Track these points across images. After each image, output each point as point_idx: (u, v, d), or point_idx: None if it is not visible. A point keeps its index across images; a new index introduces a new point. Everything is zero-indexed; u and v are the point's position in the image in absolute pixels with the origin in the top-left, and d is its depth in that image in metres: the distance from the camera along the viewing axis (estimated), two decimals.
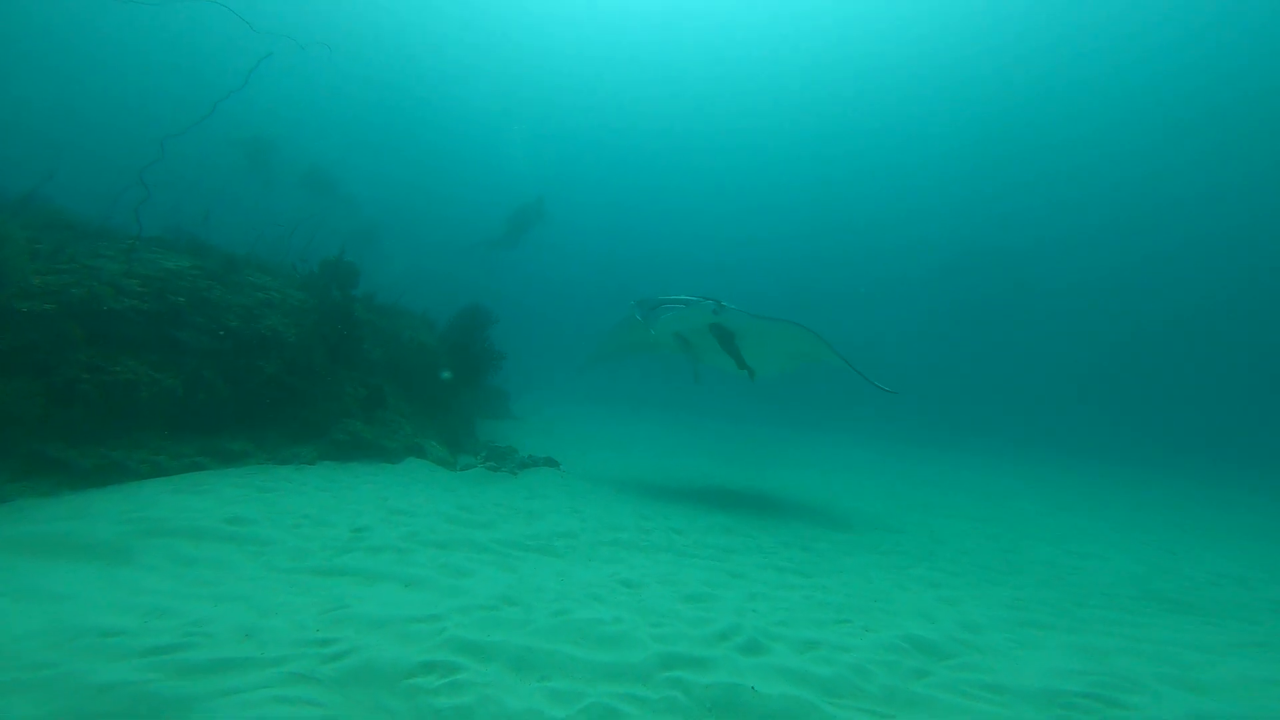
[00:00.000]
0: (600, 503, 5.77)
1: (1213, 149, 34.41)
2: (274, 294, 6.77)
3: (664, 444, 12.17)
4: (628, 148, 48.47)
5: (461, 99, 43.14)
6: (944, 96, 37.45)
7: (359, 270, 7.62)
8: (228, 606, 2.63)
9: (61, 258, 5.11)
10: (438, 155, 47.31)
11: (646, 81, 42.45)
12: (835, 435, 17.52)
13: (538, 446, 9.19)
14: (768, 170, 46.75)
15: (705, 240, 52.05)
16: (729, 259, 51.65)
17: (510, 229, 18.19)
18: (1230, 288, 40.67)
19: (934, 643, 2.99)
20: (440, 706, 2.01)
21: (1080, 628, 3.60)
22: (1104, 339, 43.28)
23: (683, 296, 6.28)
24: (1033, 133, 37.39)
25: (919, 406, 26.77)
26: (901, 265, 46.45)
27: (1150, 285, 42.56)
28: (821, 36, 35.99)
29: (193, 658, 2.15)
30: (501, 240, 18.39)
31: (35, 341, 4.33)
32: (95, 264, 5.11)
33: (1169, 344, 42.23)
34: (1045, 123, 36.41)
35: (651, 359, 8.38)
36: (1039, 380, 40.97)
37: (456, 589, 3.10)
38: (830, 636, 2.94)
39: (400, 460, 6.40)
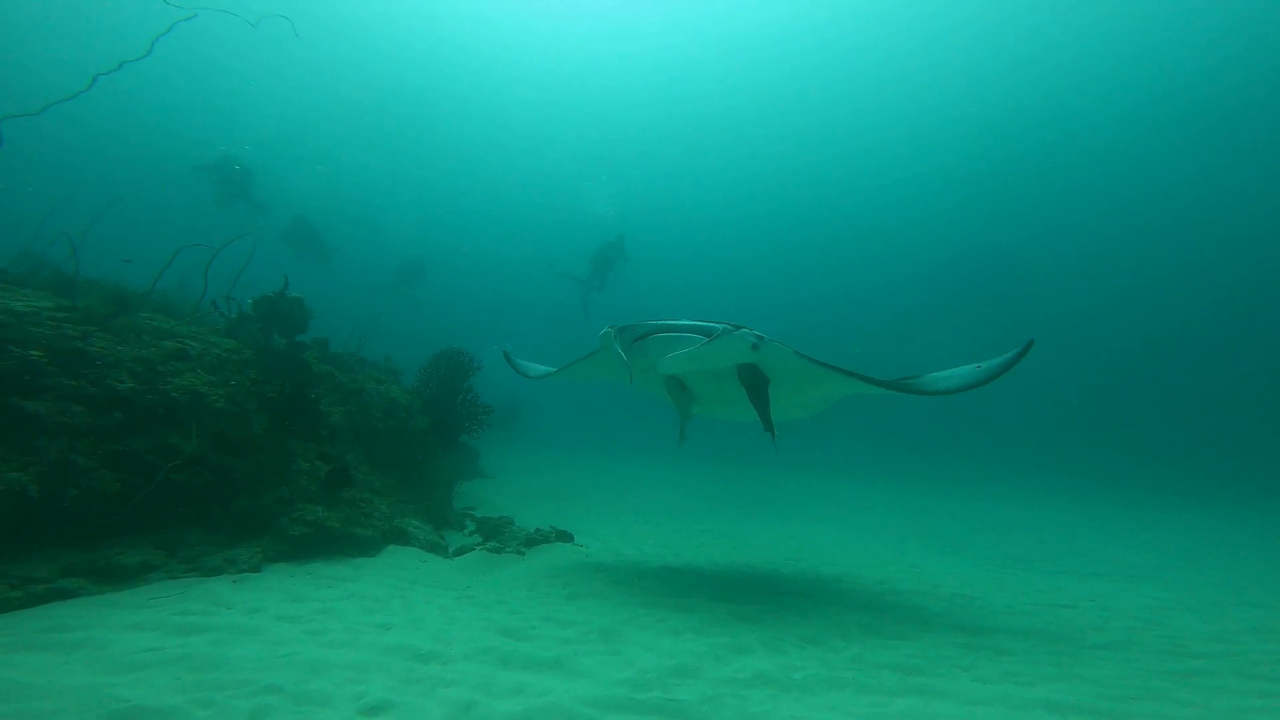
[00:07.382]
0: (667, 596, 4.22)
1: (1237, 151, 32.77)
2: (190, 343, 5.03)
3: (667, 496, 10.52)
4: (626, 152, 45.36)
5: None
6: (943, 98, 36.12)
7: (309, 310, 5.94)
8: None
9: None
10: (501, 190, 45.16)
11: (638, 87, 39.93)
12: (827, 473, 16.18)
13: (532, 513, 7.54)
14: (763, 175, 44.18)
15: (702, 251, 49.46)
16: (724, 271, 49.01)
17: (594, 270, 17.05)
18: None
19: None
20: None
21: None
22: (1105, 348, 40.76)
23: (689, 321, 4.19)
24: (1036, 135, 35.97)
25: (905, 436, 25.89)
26: (903, 270, 44.23)
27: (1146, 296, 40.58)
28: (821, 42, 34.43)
29: None
30: (588, 281, 17.15)
31: None
32: None
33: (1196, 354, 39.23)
34: (1047, 125, 35.19)
35: (614, 386, 5.63)
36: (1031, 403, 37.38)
37: None
38: None
39: (378, 551, 4.69)
